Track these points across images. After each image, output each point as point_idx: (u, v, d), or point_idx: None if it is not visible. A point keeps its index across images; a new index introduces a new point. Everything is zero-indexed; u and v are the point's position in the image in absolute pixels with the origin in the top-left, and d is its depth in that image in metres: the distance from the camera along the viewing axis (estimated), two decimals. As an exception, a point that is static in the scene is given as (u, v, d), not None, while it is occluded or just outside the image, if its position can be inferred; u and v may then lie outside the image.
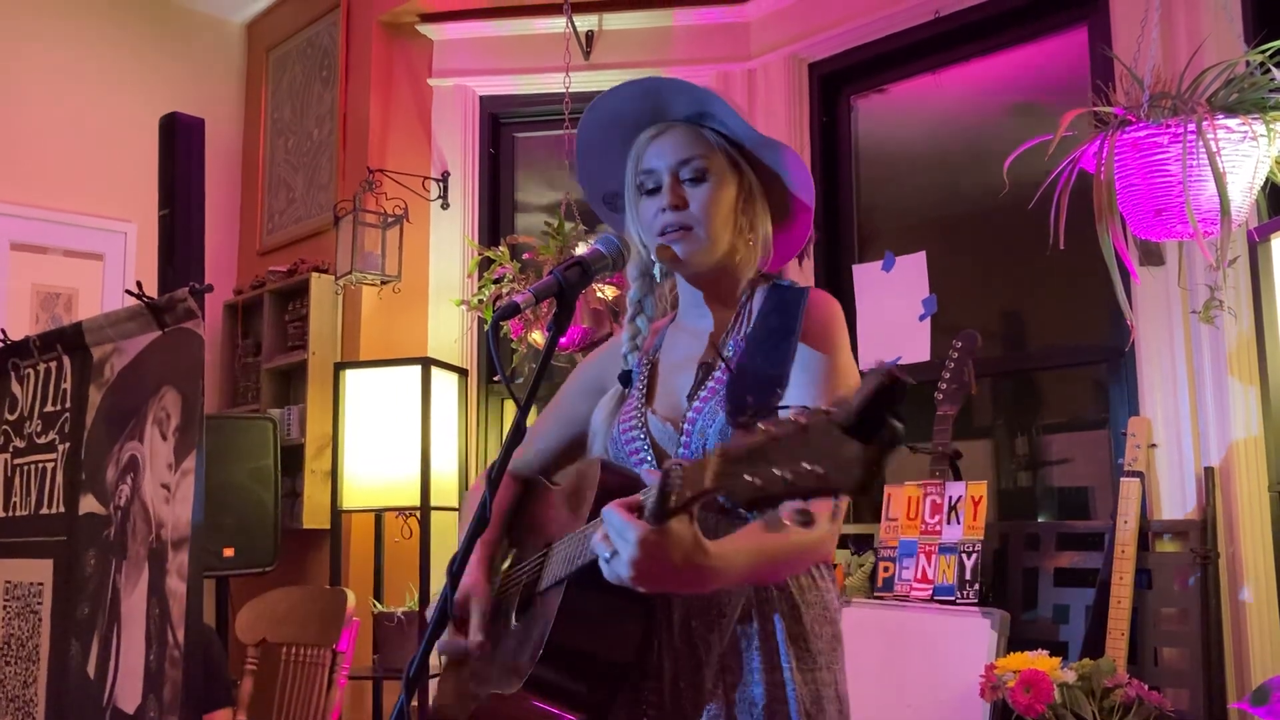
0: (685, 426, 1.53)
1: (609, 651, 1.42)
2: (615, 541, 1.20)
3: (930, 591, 2.87)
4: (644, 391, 1.62)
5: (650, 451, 1.56)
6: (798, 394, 1.45)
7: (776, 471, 0.97)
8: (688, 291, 1.66)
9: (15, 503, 2.51)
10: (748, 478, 0.99)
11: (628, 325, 1.68)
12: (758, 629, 1.46)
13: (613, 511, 1.21)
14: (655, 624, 1.46)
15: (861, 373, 0.96)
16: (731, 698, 1.45)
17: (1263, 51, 2.33)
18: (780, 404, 1.42)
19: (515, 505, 1.76)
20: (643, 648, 1.45)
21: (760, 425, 1.00)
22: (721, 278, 1.61)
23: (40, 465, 2.44)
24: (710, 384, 1.54)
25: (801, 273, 3.60)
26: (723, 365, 1.53)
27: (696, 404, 1.53)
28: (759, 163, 1.59)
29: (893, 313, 3.58)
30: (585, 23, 4.11)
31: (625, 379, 1.65)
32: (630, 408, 1.62)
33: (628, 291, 1.70)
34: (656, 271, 1.64)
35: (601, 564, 1.23)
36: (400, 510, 3.92)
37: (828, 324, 1.52)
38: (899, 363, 3.52)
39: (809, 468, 0.94)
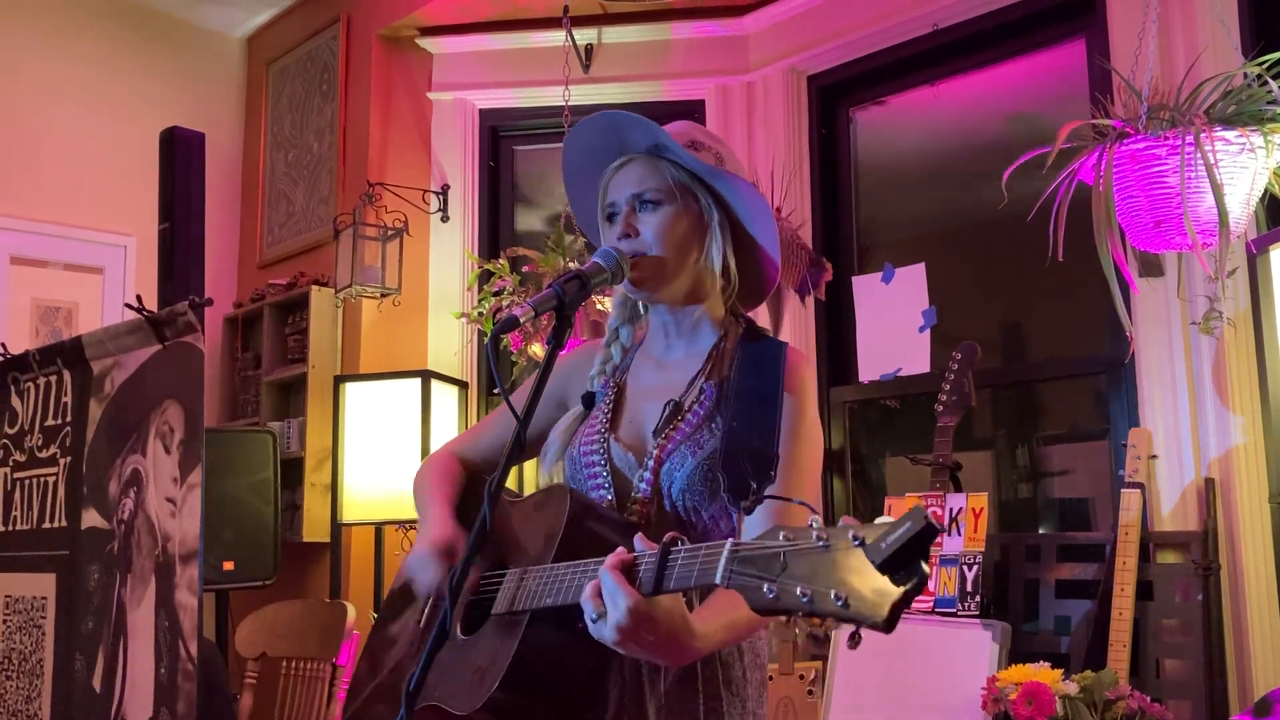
0: (648, 462, 1.55)
1: (563, 684, 1.45)
2: (607, 603, 1.23)
3: (931, 604, 2.86)
4: (608, 415, 1.64)
5: (609, 477, 1.59)
6: None
7: (797, 590, 0.98)
8: (657, 320, 1.69)
9: (16, 517, 2.51)
10: (765, 590, 1.01)
11: (602, 350, 1.72)
12: (700, 671, 1.51)
13: (609, 574, 1.23)
14: (608, 654, 1.48)
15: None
16: None
17: (1260, 63, 2.34)
18: (771, 490, 1.46)
19: (463, 497, 1.77)
20: (595, 681, 1.48)
21: (782, 534, 1.02)
22: (688, 309, 1.64)
23: (41, 479, 2.44)
24: (683, 426, 1.56)
25: (799, 300, 3.62)
26: (716, 432, 1.54)
27: (667, 445, 1.55)
28: (722, 196, 1.62)
29: (892, 324, 3.58)
30: (584, 36, 4.12)
31: (589, 401, 1.68)
32: (593, 429, 1.63)
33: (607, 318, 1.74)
34: (639, 304, 1.69)
35: (588, 621, 1.26)
36: (400, 523, 3.91)
37: (803, 389, 1.56)
38: (899, 373, 3.52)
39: (832, 594, 0.95)
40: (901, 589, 0.92)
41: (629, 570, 1.23)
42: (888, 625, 0.93)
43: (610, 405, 1.65)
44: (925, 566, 0.93)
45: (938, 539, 2.90)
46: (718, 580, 1.08)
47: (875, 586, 0.93)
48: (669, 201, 1.58)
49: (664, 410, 1.59)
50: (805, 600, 0.97)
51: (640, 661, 1.49)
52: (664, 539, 1.21)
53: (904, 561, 0.93)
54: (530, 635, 1.40)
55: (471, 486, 1.78)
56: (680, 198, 1.59)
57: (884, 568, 0.93)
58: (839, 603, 0.95)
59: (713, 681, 1.51)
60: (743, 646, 1.55)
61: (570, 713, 1.46)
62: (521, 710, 1.42)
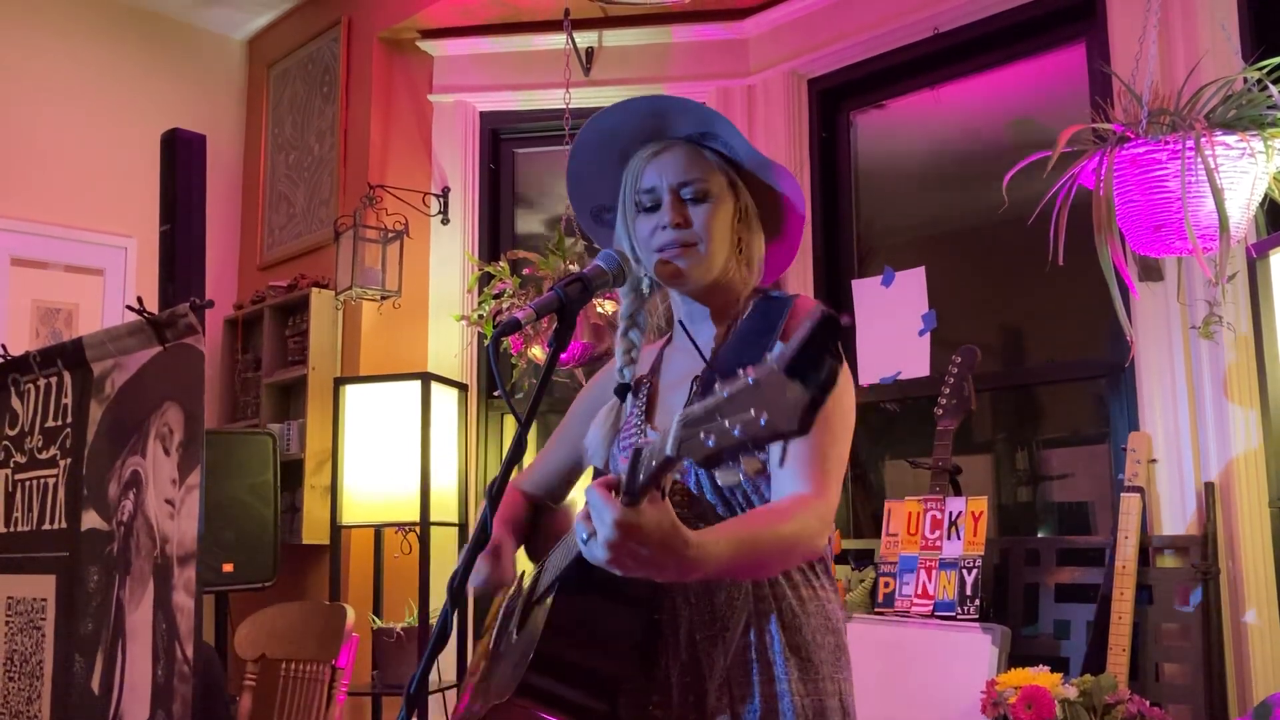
0: None
1: (602, 658, 1.41)
2: (595, 521, 1.19)
3: (931, 607, 2.86)
4: (644, 410, 1.65)
5: None
6: None
7: (726, 425, 0.97)
8: (683, 310, 1.69)
9: (17, 518, 2.51)
10: (703, 436, 0.99)
11: (621, 340, 1.70)
12: (755, 641, 1.47)
13: (592, 490, 1.20)
14: (662, 635, 1.46)
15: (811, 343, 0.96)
16: (738, 710, 1.45)
17: (1260, 68, 2.35)
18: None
19: (531, 526, 1.77)
20: (642, 657, 1.45)
21: (717, 385, 1.01)
22: (716, 294, 1.64)
23: (42, 481, 2.44)
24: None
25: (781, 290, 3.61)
26: (707, 367, 1.54)
27: None
28: (753, 180, 1.63)
29: (892, 328, 3.58)
30: (585, 39, 4.12)
31: (621, 392, 1.67)
32: (630, 426, 1.64)
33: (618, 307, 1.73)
34: (645, 286, 1.68)
35: (580, 545, 1.22)
36: (400, 525, 3.92)
37: None
38: (899, 377, 3.52)
39: (754, 415, 0.94)
40: (812, 388, 0.91)
41: (613, 487, 1.20)
42: (802, 427, 0.91)
43: (644, 402, 1.66)
44: (834, 361, 0.92)
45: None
46: (669, 451, 1.05)
47: (790, 394, 0.92)
48: (716, 193, 1.59)
49: (690, 389, 1.58)
50: (737, 434, 0.96)
51: (696, 641, 1.47)
52: (635, 446, 1.19)
53: (814, 361, 0.92)
54: (558, 606, 1.38)
55: (536, 516, 1.79)
56: (727, 190, 1.60)
57: (794, 373, 0.92)
58: (761, 422, 0.93)
59: (768, 650, 1.47)
60: (810, 609, 1.50)
61: (618, 696, 1.42)
62: (564, 693, 1.39)
